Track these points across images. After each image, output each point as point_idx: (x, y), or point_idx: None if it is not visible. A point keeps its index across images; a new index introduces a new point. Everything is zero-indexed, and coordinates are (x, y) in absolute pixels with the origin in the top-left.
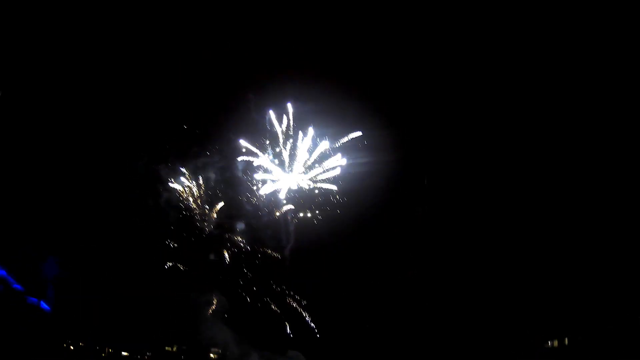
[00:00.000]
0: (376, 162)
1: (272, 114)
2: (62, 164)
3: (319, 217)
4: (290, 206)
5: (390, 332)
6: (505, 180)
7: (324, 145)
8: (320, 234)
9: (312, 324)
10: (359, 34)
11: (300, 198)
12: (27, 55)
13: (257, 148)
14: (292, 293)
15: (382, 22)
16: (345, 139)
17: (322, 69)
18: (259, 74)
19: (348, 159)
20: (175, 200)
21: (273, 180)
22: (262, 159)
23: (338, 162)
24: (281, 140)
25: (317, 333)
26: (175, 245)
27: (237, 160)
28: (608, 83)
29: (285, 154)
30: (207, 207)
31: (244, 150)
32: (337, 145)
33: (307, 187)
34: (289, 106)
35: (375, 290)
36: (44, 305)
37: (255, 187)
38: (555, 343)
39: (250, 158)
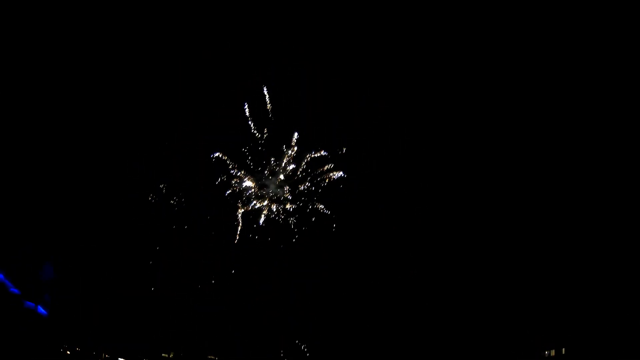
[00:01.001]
0: (373, 163)
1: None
2: (61, 164)
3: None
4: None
5: (391, 333)
6: (507, 183)
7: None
8: (319, 235)
9: (304, 347)
10: (355, 32)
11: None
12: (27, 55)
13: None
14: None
15: (375, 21)
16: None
17: (312, 65)
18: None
19: (342, 168)
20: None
21: (254, 198)
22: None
23: (330, 174)
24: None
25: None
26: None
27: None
28: (607, 83)
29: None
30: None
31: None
32: (328, 155)
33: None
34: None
35: (375, 290)
36: (41, 309)
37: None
38: (553, 353)
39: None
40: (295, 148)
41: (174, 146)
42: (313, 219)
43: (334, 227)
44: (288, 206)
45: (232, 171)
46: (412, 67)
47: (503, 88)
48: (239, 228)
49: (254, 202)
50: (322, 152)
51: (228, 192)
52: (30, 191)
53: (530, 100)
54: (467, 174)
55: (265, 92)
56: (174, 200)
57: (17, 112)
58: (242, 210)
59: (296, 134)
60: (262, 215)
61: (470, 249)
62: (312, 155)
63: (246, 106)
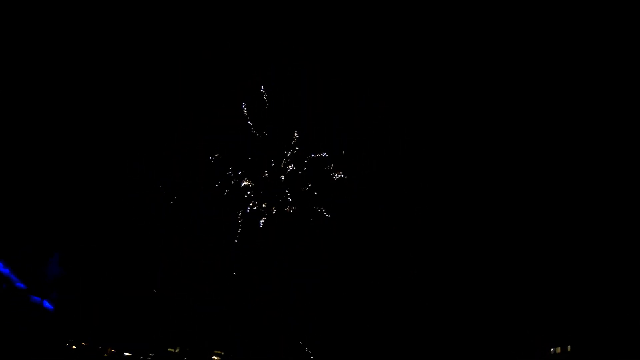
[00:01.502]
0: (373, 163)
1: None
2: (62, 164)
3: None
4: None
5: (391, 333)
6: (507, 183)
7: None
8: (319, 235)
9: (304, 347)
10: (354, 32)
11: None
12: (27, 55)
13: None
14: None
15: (375, 21)
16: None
17: (312, 65)
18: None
19: (341, 168)
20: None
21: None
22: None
23: (331, 175)
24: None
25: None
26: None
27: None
28: (607, 83)
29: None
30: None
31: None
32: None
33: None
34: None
35: (375, 290)
36: (47, 304)
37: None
38: (558, 350)
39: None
40: (297, 148)
41: (174, 146)
42: (313, 219)
43: (334, 227)
44: (287, 209)
45: (231, 173)
46: (412, 67)
47: (503, 88)
48: (239, 228)
49: (253, 204)
50: (323, 154)
51: (227, 191)
52: (31, 191)
53: (529, 101)
54: (467, 174)
55: (265, 92)
56: (174, 200)
57: (17, 112)
58: (241, 212)
59: (296, 132)
60: (262, 219)
61: (470, 248)
62: (313, 157)
63: (246, 106)
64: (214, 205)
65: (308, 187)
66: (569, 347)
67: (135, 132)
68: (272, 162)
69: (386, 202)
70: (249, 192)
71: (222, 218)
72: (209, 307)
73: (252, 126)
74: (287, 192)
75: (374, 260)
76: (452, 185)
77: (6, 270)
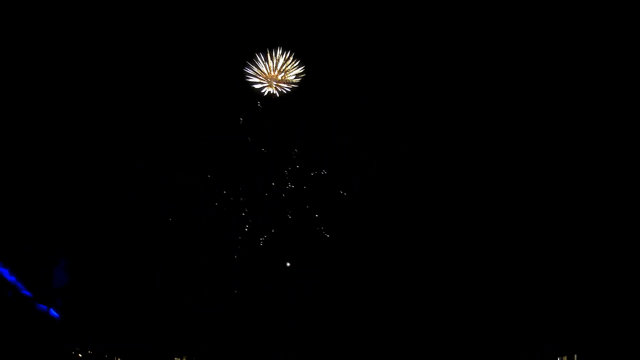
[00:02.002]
0: (373, 163)
1: None
2: (62, 164)
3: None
4: None
5: (391, 333)
6: (508, 183)
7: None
8: (319, 235)
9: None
10: (354, 32)
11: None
12: (27, 55)
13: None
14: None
15: (375, 21)
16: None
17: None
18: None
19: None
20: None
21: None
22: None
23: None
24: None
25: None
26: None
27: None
28: (608, 84)
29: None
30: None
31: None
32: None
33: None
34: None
35: (375, 290)
36: (53, 312)
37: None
38: (565, 359)
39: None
40: (297, 166)
41: (174, 146)
42: (313, 219)
43: (334, 227)
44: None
45: (230, 191)
46: (412, 67)
47: (504, 88)
48: (241, 229)
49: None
50: (323, 172)
51: (228, 198)
52: (30, 192)
53: (531, 101)
54: (467, 174)
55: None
56: (174, 200)
57: (17, 112)
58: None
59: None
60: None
61: (471, 249)
62: (313, 174)
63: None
64: (214, 205)
65: (307, 207)
66: (575, 356)
67: (135, 132)
68: (273, 182)
69: (386, 202)
70: (247, 209)
71: (222, 218)
72: (209, 307)
73: (252, 142)
74: (288, 211)
75: (374, 260)
76: (453, 186)
77: (12, 278)
